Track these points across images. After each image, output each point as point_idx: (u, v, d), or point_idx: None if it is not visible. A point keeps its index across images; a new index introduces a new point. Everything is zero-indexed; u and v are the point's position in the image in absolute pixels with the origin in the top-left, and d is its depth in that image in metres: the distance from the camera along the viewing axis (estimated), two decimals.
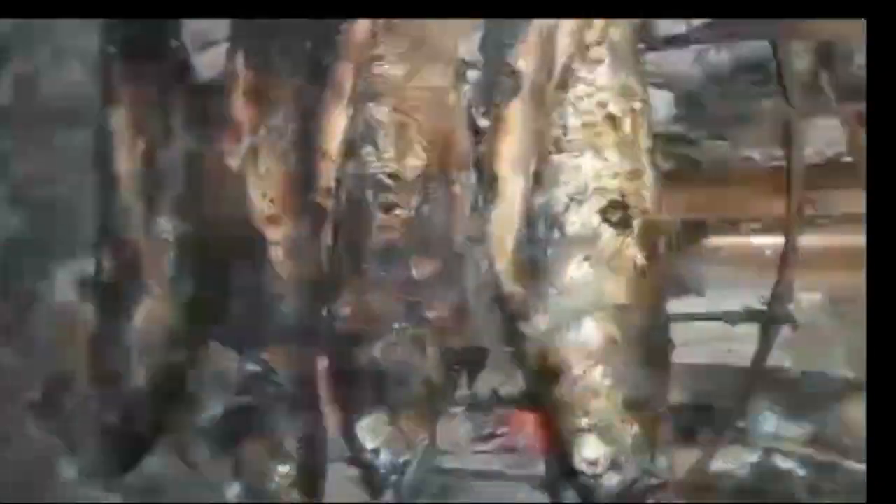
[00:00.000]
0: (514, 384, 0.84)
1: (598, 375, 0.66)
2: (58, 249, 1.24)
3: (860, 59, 0.76)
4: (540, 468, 0.85)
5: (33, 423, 1.23)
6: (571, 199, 0.67)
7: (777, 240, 0.73)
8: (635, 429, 0.65)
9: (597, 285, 0.67)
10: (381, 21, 0.78)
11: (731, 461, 0.74)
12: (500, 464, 0.87)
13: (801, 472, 0.75)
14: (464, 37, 0.81)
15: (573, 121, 0.68)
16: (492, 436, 0.90)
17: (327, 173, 0.79)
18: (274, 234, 0.85)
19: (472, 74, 0.80)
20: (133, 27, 1.00)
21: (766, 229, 0.74)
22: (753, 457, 0.74)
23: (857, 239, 0.71)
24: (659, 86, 0.82)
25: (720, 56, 0.82)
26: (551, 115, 0.69)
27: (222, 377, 0.88)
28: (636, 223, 0.67)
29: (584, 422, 0.66)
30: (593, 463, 0.65)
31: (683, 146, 0.82)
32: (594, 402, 0.66)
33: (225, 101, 0.90)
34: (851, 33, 0.75)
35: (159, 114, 0.96)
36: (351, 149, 0.77)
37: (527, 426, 0.85)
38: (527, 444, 0.86)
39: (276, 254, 0.85)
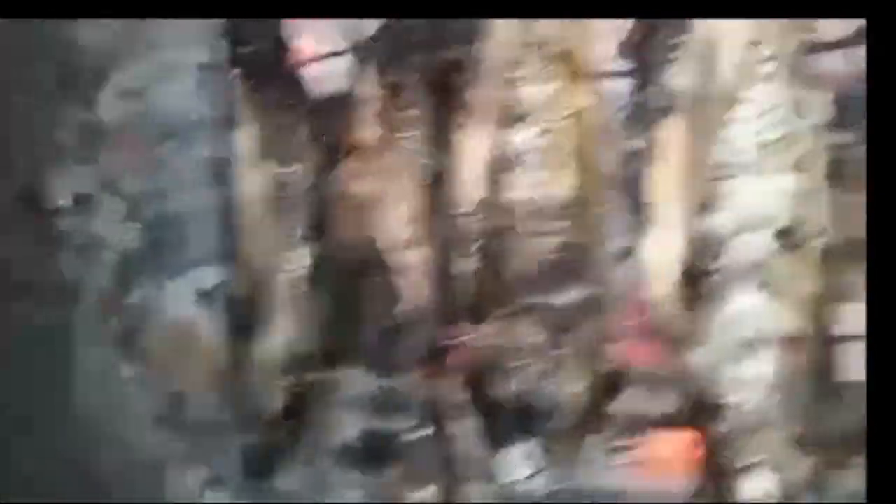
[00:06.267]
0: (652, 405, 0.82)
1: (770, 408, 0.64)
2: (172, 263, 1.26)
3: None
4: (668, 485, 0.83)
5: (156, 434, 1.26)
6: (742, 224, 0.65)
7: None
8: (807, 462, 0.63)
9: (769, 314, 0.64)
10: (519, 41, 0.75)
11: None
12: (633, 479, 0.85)
13: None
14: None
15: (743, 142, 0.65)
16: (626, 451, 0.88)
17: (468, 197, 0.78)
18: (409, 257, 0.84)
19: (620, 86, 0.77)
20: (251, 45, 1.00)
21: None
22: None
23: None
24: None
25: None
26: (717, 135, 0.66)
27: (355, 400, 0.88)
28: (812, 247, 0.64)
29: (754, 455, 0.64)
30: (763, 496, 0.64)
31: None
32: (766, 435, 0.64)
33: (351, 121, 0.89)
34: None
35: (284, 135, 0.96)
36: (497, 173, 0.75)
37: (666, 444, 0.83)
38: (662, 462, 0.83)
39: (411, 278, 0.85)
